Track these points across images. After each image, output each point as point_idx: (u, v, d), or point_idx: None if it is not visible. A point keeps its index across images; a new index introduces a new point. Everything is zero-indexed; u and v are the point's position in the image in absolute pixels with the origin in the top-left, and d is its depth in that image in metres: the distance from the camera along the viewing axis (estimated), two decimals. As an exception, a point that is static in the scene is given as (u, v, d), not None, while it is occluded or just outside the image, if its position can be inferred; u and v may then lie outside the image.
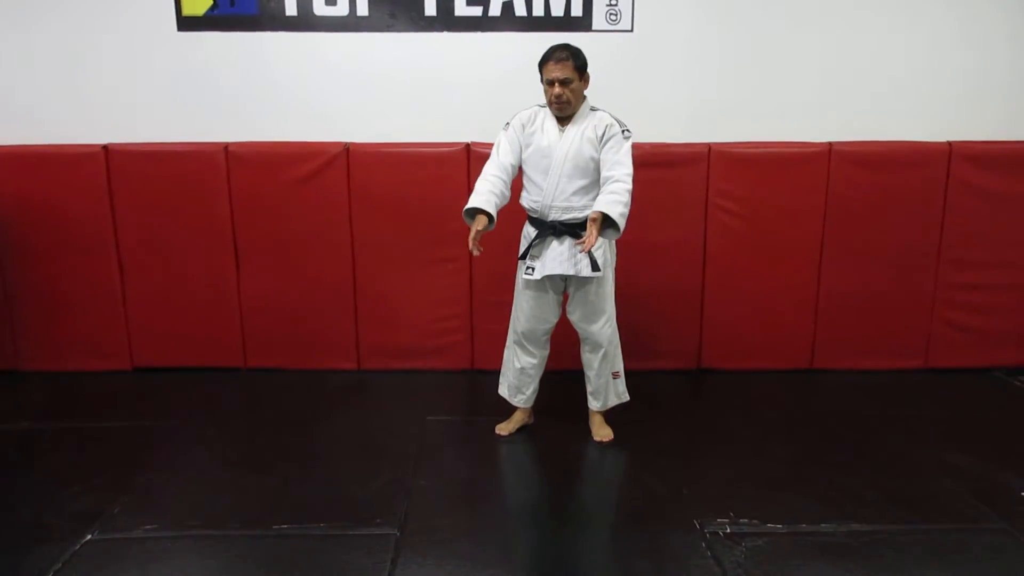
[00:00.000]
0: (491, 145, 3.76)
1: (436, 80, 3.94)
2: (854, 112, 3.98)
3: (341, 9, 3.85)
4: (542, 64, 2.91)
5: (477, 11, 3.86)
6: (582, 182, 2.92)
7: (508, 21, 3.86)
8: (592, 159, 2.91)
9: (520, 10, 3.85)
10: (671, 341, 4.06)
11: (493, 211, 2.89)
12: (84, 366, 4.03)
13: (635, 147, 3.78)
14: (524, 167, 3.01)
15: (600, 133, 2.91)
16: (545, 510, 2.76)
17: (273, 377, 4.01)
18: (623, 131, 2.93)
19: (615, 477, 3.04)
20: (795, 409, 3.64)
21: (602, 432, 3.24)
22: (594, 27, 3.87)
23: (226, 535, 2.51)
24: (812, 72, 3.96)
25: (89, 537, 2.48)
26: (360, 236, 3.93)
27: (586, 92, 2.99)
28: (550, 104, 2.92)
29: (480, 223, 2.86)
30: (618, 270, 3.75)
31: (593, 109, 2.99)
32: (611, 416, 3.27)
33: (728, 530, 2.54)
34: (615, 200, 2.79)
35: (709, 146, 3.85)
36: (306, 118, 3.95)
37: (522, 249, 3.06)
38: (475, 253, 2.87)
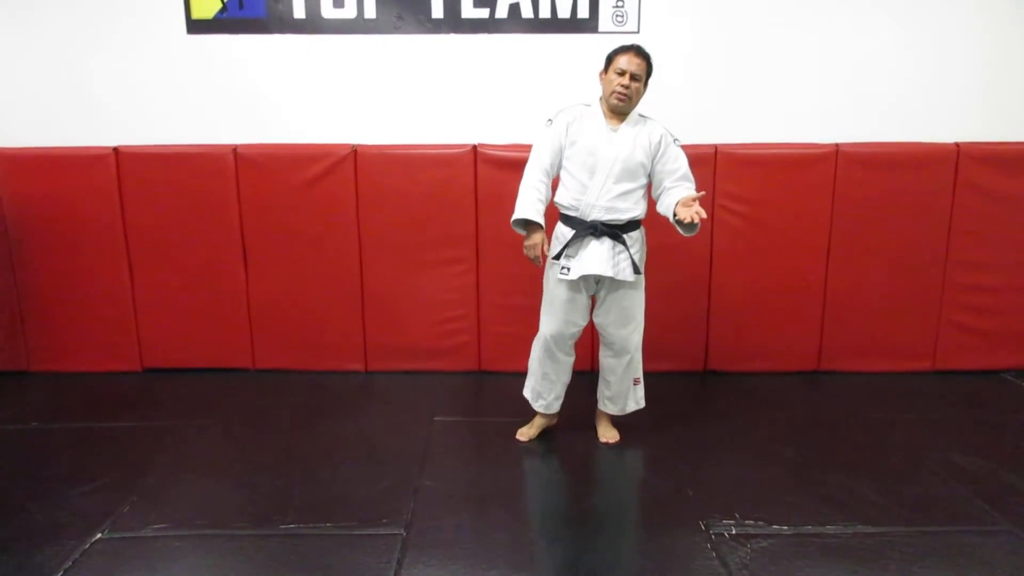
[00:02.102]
0: (499, 147, 3.81)
1: (443, 82, 3.96)
2: (861, 113, 3.97)
3: (349, 11, 3.87)
4: (616, 54, 2.88)
5: (484, 13, 3.87)
6: (629, 186, 2.89)
7: (515, 23, 3.87)
8: (642, 165, 2.90)
9: (527, 12, 3.86)
10: (678, 343, 4.05)
11: (541, 220, 2.93)
12: (94, 367, 4.07)
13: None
14: (566, 164, 2.96)
15: (655, 141, 2.90)
16: (550, 510, 2.77)
17: (281, 378, 4.04)
18: (675, 140, 2.95)
19: (621, 478, 3.05)
20: (801, 411, 3.63)
21: (608, 433, 3.25)
22: (600, 28, 3.88)
23: (234, 534, 2.53)
24: (819, 73, 3.95)
25: (99, 536, 2.50)
26: (368, 237, 3.95)
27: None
28: (611, 95, 2.86)
29: (538, 236, 2.93)
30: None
31: (642, 116, 2.97)
32: (618, 417, 3.28)
33: (733, 531, 2.54)
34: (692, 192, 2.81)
35: (715, 147, 3.85)
36: (314, 120, 3.98)
37: (556, 250, 2.99)
38: (539, 264, 3.00)
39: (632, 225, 2.97)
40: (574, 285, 3.00)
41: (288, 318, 4.05)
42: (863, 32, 3.92)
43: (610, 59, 2.90)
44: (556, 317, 3.05)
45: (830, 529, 2.55)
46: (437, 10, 3.87)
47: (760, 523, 2.59)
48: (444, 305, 4.02)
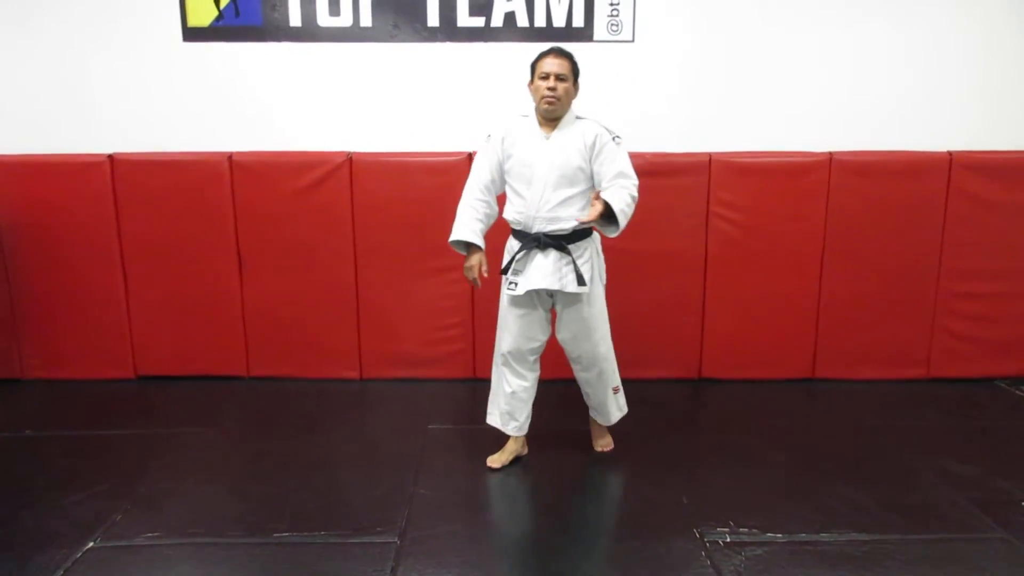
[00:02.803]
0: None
1: (439, 90, 3.97)
2: (854, 122, 3.99)
3: (344, 20, 3.88)
4: (537, 60, 2.82)
5: (479, 21, 3.89)
6: (569, 192, 2.79)
7: (510, 31, 3.89)
8: (580, 169, 2.79)
9: (522, 20, 3.88)
10: (672, 350, 4.07)
11: (479, 241, 2.87)
12: (88, 374, 4.06)
13: (636, 156, 3.80)
14: (507, 178, 2.89)
15: (590, 142, 2.78)
16: (545, 519, 2.77)
17: (276, 386, 4.03)
18: (614, 138, 2.81)
19: (615, 486, 3.04)
20: (796, 419, 3.64)
21: (603, 441, 3.23)
22: (595, 37, 3.90)
23: (227, 543, 2.52)
24: (813, 82, 3.98)
25: (91, 544, 2.49)
26: (363, 245, 3.95)
27: (577, 102, 2.93)
28: (540, 101, 2.79)
29: (475, 258, 2.88)
30: (619, 278, 3.74)
31: (579, 117, 2.87)
32: (612, 425, 3.26)
33: (728, 539, 2.54)
34: (621, 196, 2.69)
35: (710, 155, 3.87)
36: (309, 127, 3.99)
37: (504, 263, 2.93)
38: (478, 285, 2.93)
39: (579, 235, 2.85)
40: (526, 300, 2.91)
41: (283, 325, 4.04)
42: (858, 41, 3.94)
43: (533, 67, 2.84)
44: (512, 333, 2.97)
45: (824, 537, 2.55)
46: (433, 19, 3.88)
47: (754, 531, 2.59)
48: (439, 313, 4.02)
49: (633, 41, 3.91)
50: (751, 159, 3.88)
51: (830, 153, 3.87)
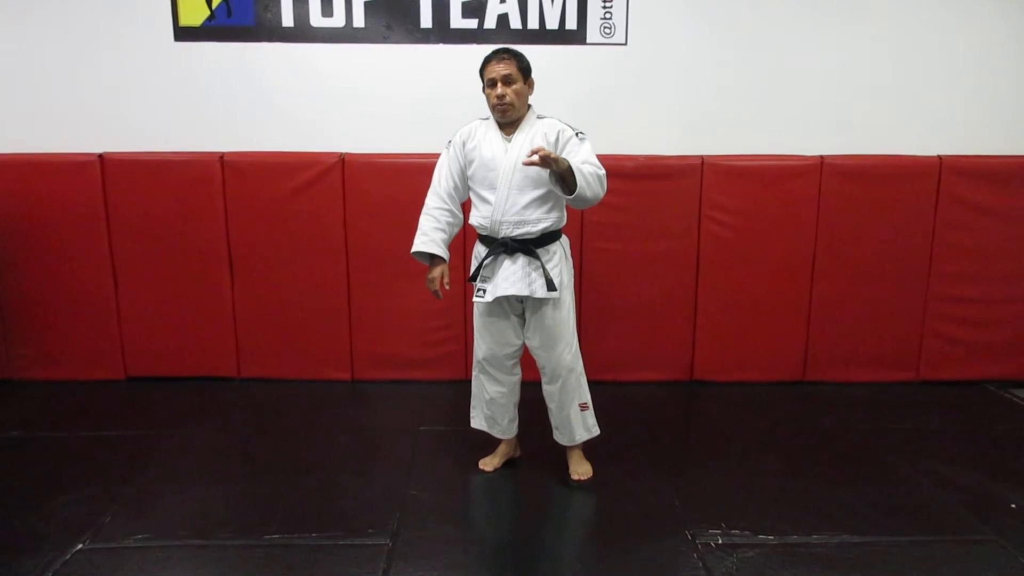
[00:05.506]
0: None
1: (431, 91, 3.96)
2: (846, 126, 4.01)
3: (337, 21, 3.87)
4: (483, 66, 2.74)
5: (472, 23, 3.89)
6: (535, 193, 2.69)
7: (503, 34, 3.88)
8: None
9: (515, 23, 3.88)
10: (664, 352, 4.07)
11: (441, 252, 2.82)
12: (77, 375, 4.03)
13: (628, 159, 3.85)
14: (471, 184, 2.82)
15: (552, 139, 2.69)
16: (536, 521, 2.76)
17: (267, 386, 4.01)
18: (577, 134, 2.72)
19: (606, 488, 3.03)
20: (787, 421, 3.65)
21: (580, 469, 3.01)
22: (588, 40, 3.90)
23: (218, 545, 2.50)
24: (805, 85, 4.00)
25: (80, 546, 2.47)
26: (355, 246, 3.94)
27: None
28: (493, 109, 2.73)
29: (437, 270, 2.82)
30: (611, 280, 3.76)
31: (540, 117, 2.79)
32: (603, 427, 3.15)
33: (720, 541, 2.54)
34: (584, 167, 2.57)
35: (702, 158, 3.88)
36: (302, 128, 3.98)
37: (472, 270, 2.86)
38: (439, 297, 2.88)
39: (548, 238, 2.77)
40: (495, 307, 2.85)
41: (274, 326, 4.03)
42: (849, 45, 3.96)
43: (480, 74, 2.77)
44: (485, 340, 2.92)
45: (816, 539, 2.56)
46: (426, 20, 3.88)
47: (746, 533, 2.59)
48: (431, 314, 4.01)
49: (626, 44, 3.92)
50: (743, 162, 3.90)
51: (821, 157, 3.89)
